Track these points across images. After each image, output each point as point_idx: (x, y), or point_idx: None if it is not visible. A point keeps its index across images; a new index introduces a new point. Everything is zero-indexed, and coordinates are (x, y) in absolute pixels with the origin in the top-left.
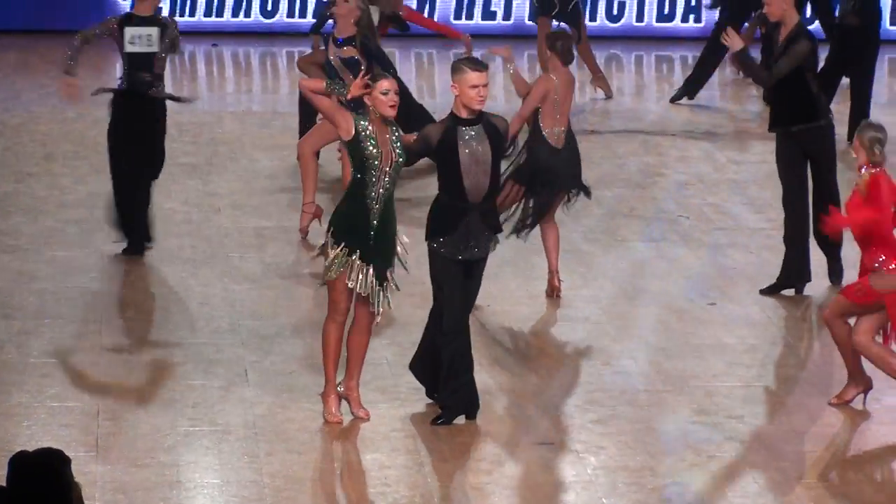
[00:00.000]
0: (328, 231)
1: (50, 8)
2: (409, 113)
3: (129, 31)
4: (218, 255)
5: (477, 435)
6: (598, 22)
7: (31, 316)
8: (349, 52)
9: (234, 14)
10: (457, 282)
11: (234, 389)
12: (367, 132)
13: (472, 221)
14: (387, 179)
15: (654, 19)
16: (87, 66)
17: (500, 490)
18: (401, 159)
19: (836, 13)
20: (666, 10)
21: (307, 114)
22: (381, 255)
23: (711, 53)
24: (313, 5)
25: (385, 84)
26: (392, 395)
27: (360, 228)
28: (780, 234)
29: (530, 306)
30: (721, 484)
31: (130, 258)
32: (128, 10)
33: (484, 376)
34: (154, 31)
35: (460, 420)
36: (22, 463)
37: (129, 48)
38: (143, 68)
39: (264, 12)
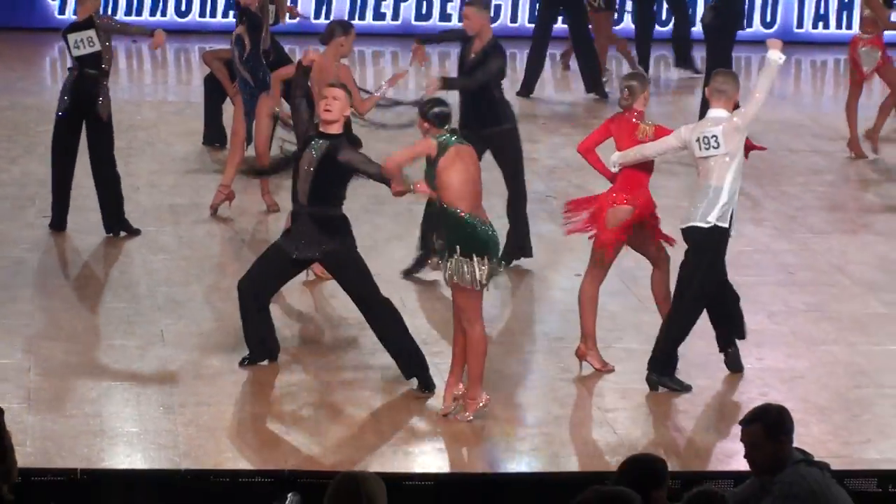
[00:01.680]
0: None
1: None
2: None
3: (72, 38)
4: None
5: (365, 390)
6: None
7: None
8: (239, 30)
9: (151, 13)
10: (273, 265)
11: (150, 349)
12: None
13: (299, 223)
14: None
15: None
16: (20, 60)
17: (379, 437)
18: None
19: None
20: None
21: (213, 106)
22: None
23: (538, 48)
24: (223, 5)
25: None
26: (295, 356)
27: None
28: None
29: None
30: (583, 433)
31: (57, 232)
32: (57, 12)
33: (369, 336)
34: (92, 33)
35: (348, 374)
36: None
37: (75, 52)
38: (91, 67)
39: (178, 12)
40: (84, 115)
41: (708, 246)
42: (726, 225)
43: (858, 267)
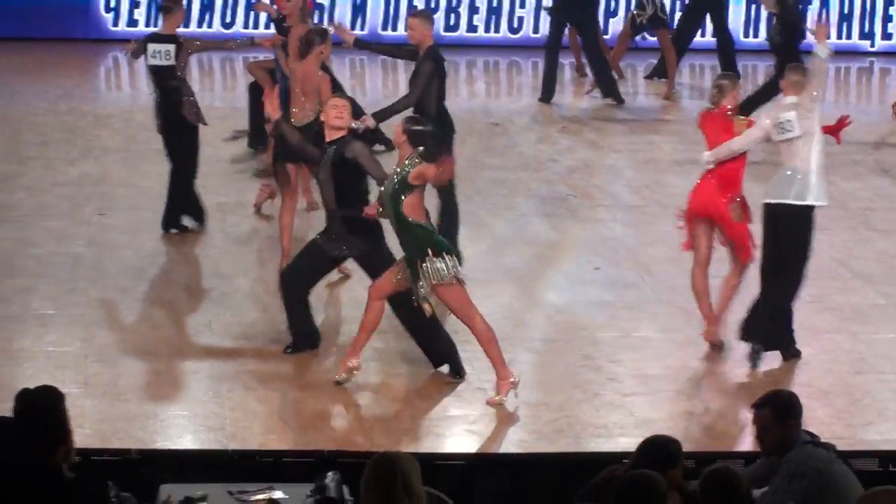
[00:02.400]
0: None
1: (40, 18)
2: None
3: (151, 48)
4: None
5: (400, 376)
6: (502, 34)
7: (29, 275)
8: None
9: (199, 25)
10: (311, 260)
11: (200, 338)
12: None
13: (333, 226)
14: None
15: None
16: (76, 68)
17: (413, 420)
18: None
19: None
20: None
21: (257, 112)
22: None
23: (552, 57)
24: (265, 17)
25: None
26: (335, 345)
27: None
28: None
29: None
30: (603, 416)
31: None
32: (111, 25)
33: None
34: (171, 48)
35: (384, 362)
36: (25, 398)
37: (150, 61)
38: (166, 77)
39: (223, 24)
40: (173, 123)
41: (804, 222)
42: (823, 203)
43: (859, 261)
